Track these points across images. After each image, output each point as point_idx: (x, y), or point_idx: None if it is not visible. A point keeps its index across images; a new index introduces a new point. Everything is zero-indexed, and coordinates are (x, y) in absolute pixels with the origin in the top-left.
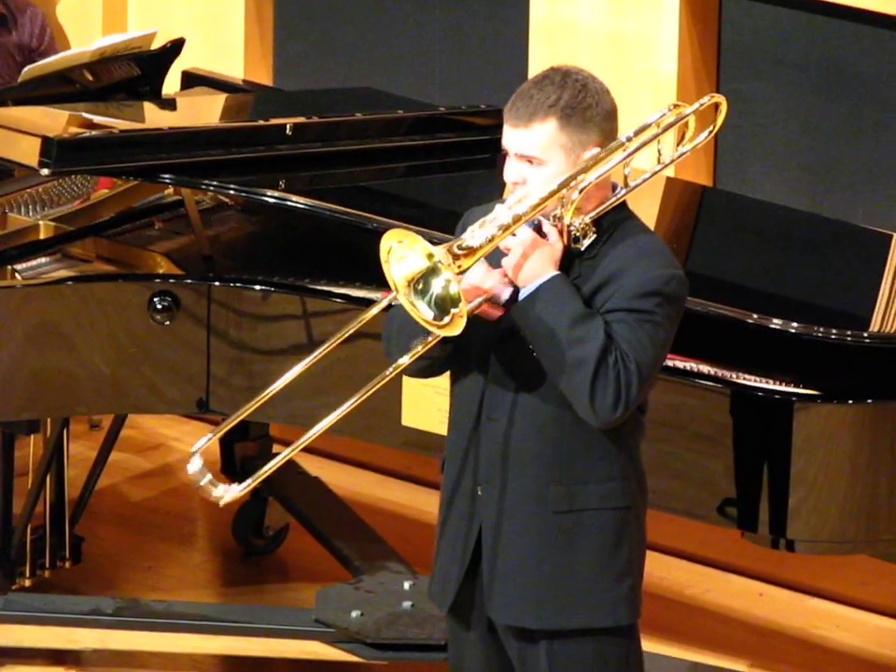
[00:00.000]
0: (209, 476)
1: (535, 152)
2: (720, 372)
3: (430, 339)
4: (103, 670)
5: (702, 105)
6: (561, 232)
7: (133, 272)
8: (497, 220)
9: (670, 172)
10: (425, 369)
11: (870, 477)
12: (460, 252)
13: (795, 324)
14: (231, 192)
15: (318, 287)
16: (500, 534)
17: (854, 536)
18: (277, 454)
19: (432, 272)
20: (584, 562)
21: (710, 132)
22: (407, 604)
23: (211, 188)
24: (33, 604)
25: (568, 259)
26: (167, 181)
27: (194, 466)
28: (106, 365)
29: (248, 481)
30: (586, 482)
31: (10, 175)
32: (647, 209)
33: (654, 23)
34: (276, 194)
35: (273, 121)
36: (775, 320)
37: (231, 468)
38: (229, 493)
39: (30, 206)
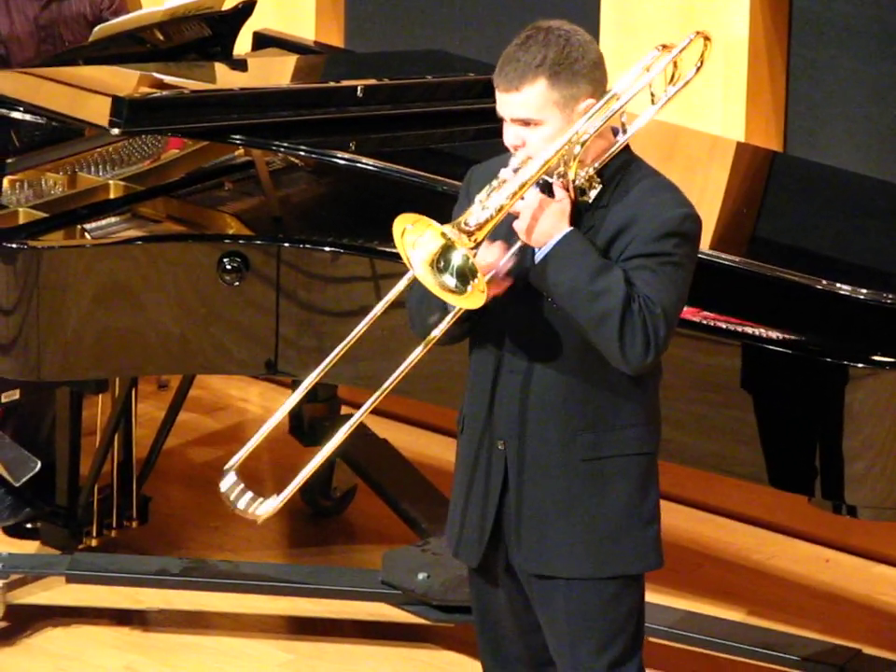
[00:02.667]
0: (248, 494)
1: (530, 114)
2: (786, 338)
3: (454, 311)
4: (169, 630)
5: (688, 42)
6: (567, 188)
7: (203, 232)
8: (503, 188)
9: (740, 134)
10: (453, 338)
11: None
12: (472, 227)
13: (865, 290)
14: (302, 154)
15: (387, 249)
16: (527, 485)
17: None
18: (346, 415)
19: (449, 248)
20: (615, 508)
21: (697, 67)
22: None
23: (281, 149)
24: (99, 563)
25: (579, 213)
26: (237, 142)
27: (227, 482)
28: (175, 325)
29: (284, 492)
30: (614, 428)
31: (81, 135)
32: (717, 174)
33: None
34: (346, 156)
35: (344, 83)
36: (844, 286)
37: (300, 429)
38: (264, 507)
39: (100, 166)
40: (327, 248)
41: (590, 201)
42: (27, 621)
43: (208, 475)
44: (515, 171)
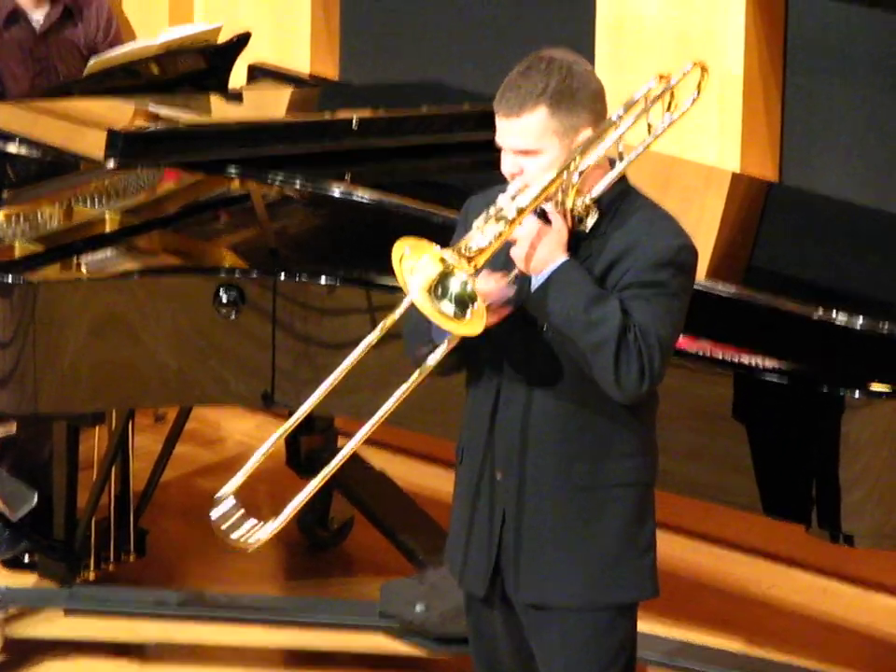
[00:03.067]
0: (241, 522)
1: (529, 143)
2: (782, 367)
3: (451, 339)
4: (167, 663)
5: (686, 72)
6: (565, 216)
7: (199, 265)
8: (501, 216)
9: (735, 164)
10: (453, 367)
11: None
12: (471, 253)
13: (860, 319)
14: (297, 186)
15: (383, 282)
16: (524, 515)
17: None
18: (342, 447)
19: (447, 274)
20: (611, 537)
21: (693, 98)
22: None
23: (277, 181)
24: (97, 596)
25: (576, 241)
26: (233, 174)
27: (219, 510)
28: (172, 358)
29: (277, 521)
30: (610, 457)
31: (77, 168)
32: (713, 204)
33: (721, 20)
34: (342, 188)
35: (340, 115)
36: (840, 315)
37: (297, 460)
38: (262, 532)
39: (96, 199)
40: (323, 280)
41: (587, 230)
42: (26, 654)
43: (206, 507)
44: (512, 198)
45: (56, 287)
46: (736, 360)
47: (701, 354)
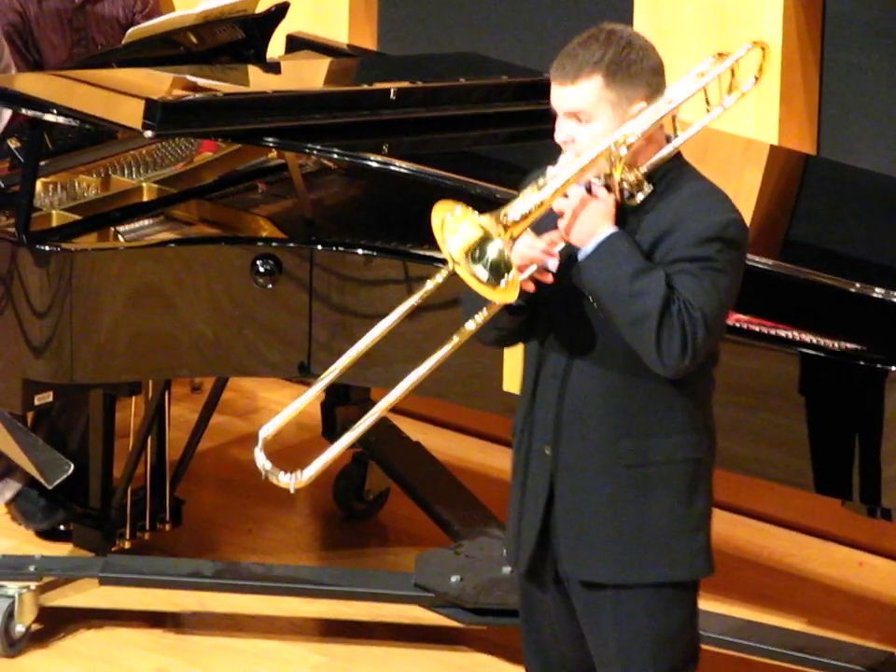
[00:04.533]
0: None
1: (582, 107)
2: (821, 341)
3: (490, 306)
4: (202, 633)
5: (745, 52)
6: (611, 188)
7: (236, 235)
8: (546, 185)
9: (773, 137)
10: (499, 339)
11: None
12: (509, 221)
13: None
14: (335, 156)
15: (420, 252)
16: (572, 491)
17: None
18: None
19: (485, 240)
20: (659, 515)
21: (756, 78)
22: (507, 569)
23: (314, 151)
24: (133, 566)
25: (625, 215)
26: (270, 144)
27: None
28: (208, 328)
29: (311, 468)
30: (656, 434)
31: (114, 137)
32: (750, 177)
33: None
34: (379, 159)
35: (377, 86)
36: (878, 289)
37: (332, 431)
38: (294, 480)
39: (133, 168)
40: (360, 251)
41: (637, 203)
42: (60, 623)
43: (241, 478)
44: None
45: (93, 256)
46: (773, 333)
47: (738, 327)
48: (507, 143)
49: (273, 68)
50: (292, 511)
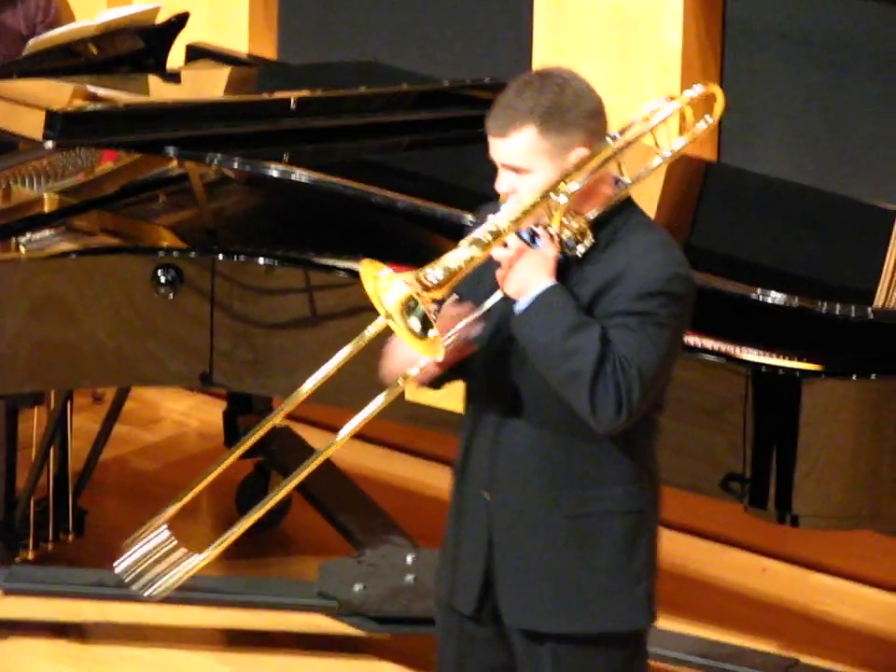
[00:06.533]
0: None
1: (517, 161)
2: (725, 347)
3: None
4: (106, 643)
5: (695, 94)
6: (552, 240)
7: (137, 245)
8: (480, 239)
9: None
10: (437, 383)
11: (874, 452)
12: (432, 283)
13: (798, 298)
14: (235, 166)
15: (322, 262)
16: (511, 539)
17: (857, 511)
18: (281, 427)
19: (409, 302)
20: (600, 566)
21: (707, 123)
22: (409, 577)
23: (215, 161)
24: (36, 576)
25: (567, 265)
26: (171, 154)
27: (123, 564)
28: (110, 338)
29: (210, 548)
30: (596, 486)
31: (15, 148)
32: (650, 184)
33: None
34: (280, 168)
35: (277, 95)
36: (778, 295)
37: (234, 441)
38: (157, 587)
39: (34, 179)
40: (261, 260)
41: (579, 255)
42: None
43: (144, 487)
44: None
45: None
46: (698, 345)
47: None
48: (408, 151)
49: (174, 78)
50: (195, 520)
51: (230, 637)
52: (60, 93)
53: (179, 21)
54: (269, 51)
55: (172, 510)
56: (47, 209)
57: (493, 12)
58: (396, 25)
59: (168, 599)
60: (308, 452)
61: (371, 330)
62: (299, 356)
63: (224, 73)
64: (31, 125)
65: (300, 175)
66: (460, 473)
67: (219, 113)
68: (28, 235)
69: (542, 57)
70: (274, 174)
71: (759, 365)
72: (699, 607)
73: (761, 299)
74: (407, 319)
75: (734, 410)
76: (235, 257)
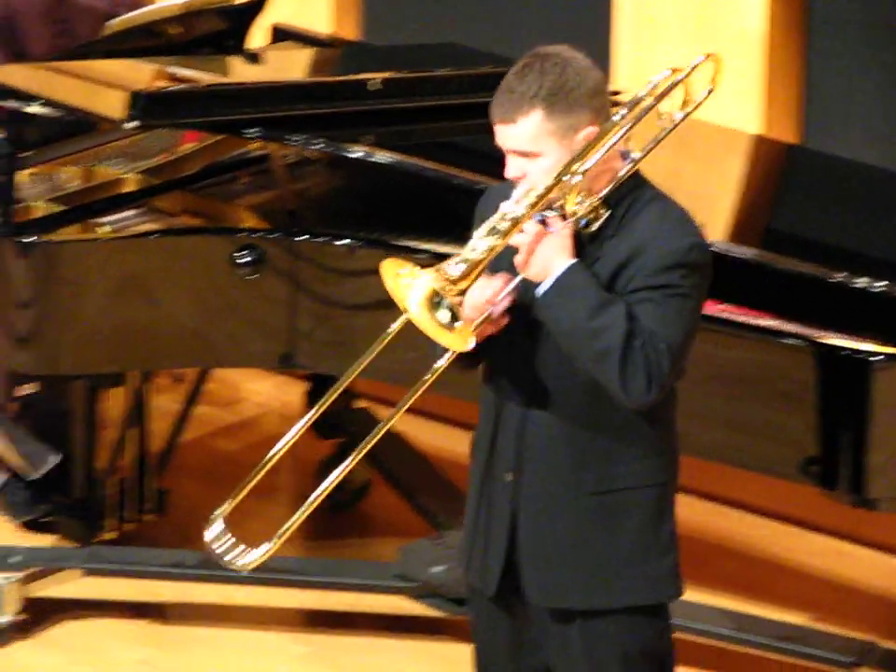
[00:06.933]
0: (231, 540)
1: (526, 146)
2: (803, 330)
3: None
4: (185, 623)
5: (697, 64)
6: (566, 219)
7: (218, 225)
8: (496, 228)
9: (756, 126)
10: (468, 366)
11: None
12: (455, 276)
13: (879, 283)
14: (317, 147)
15: (403, 243)
16: (537, 519)
17: None
18: (361, 408)
19: (434, 297)
20: (627, 540)
21: (709, 91)
22: None
23: (297, 142)
24: (116, 556)
25: (583, 244)
26: (253, 135)
27: (213, 531)
28: (190, 319)
29: (269, 544)
30: (621, 461)
31: (97, 129)
32: (733, 167)
33: None
34: (362, 149)
35: (360, 76)
36: (860, 278)
37: (317, 422)
38: (250, 557)
39: (116, 160)
40: (342, 241)
41: (593, 231)
42: (44, 614)
43: (224, 468)
44: (516, 203)
45: (76, 247)
46: (755, 323)
47: (719, 317)
48: (488, 133)
49: (256, 59)
50: (274, 501)
51: (308, 617)
52: (141, 74)
53: (261, 2)
54: (352, 32)
55: (243, 491)
56: (128, 189)
57: None
58: (477, 6)
59: (247, 580)
60: (388, 433)
61: (395, 326)
62: (379, 337)
63: (307, 54)
64: (113, 105)
65: (381, 156)
66: (484, 455)
67: (301, 94)
68: (109, 216)
69: (622, 42)
70: (356, 155)
71: (836, 348)
72: (777, 590)
73: (842, 282)
74: (433, 314)
75: (812, 393)
76: (316, 238)
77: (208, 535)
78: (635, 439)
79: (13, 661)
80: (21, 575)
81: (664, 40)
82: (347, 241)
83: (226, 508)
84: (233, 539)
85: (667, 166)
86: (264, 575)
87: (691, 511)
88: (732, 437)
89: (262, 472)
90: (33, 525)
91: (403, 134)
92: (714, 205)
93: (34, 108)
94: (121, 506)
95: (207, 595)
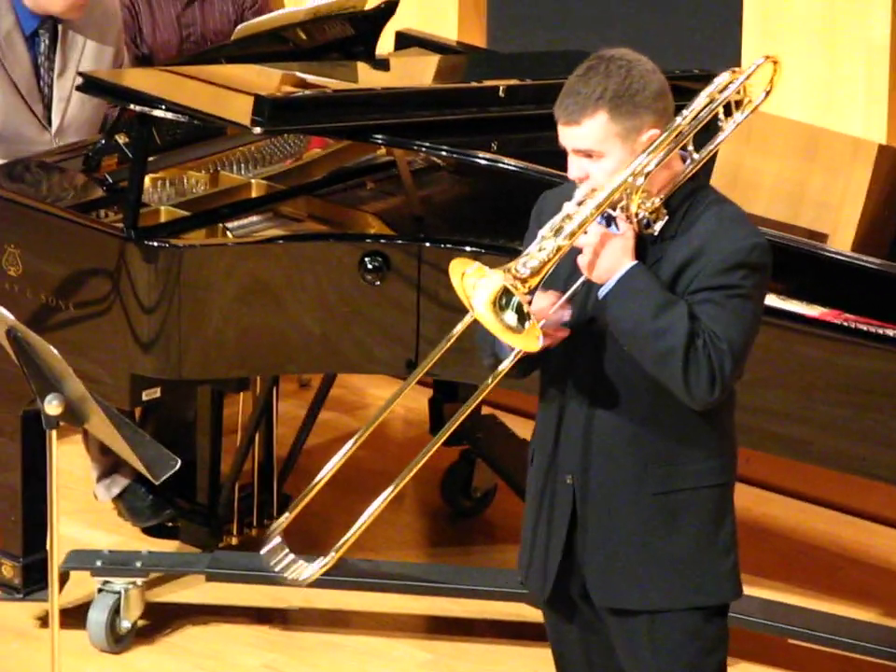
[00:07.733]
0: (290, 556)
1: (591, 147)
2: None
3: (516, 353)
4: (308, 629)
5: (756, 67)
6: (630, 221)
7: (345, 231)
8: (563, 227)
9: (882, 136)
10: (523, 373)
11: None
12: (525, 274)
13: None
14: (444, 154)
15: None
16: (599, 520)
17: None
18: (487, 415)
19: (503, 296)
20: (689, 540)
21: (766, 92)
22: None
23: (423, 148)
24: (239, 562)
25: (644, 245)
26: (379, 141)
27: (270, 545)
28: (316, 324)
29: (326, 558)
30: (683, 462)
31: (223, 133)
32: (859, 176)
33: None
34: (488, 156)
35: (486, 83)
36: None
37: (440, 428)
38: (308, 571)
39: (242, 164)
40: (468, 248)
41: (655, 233)
42: (167, 619)
43: (349, 474)
44: (579, 204)
45: (201, 251)
46: (881, 333)
47: (846, 326)
48: None
49: (383, 65)
50: (400, 508)
51: (432, 624)
52: (268, 79)
53: (389, 8)
54: (478, 39)
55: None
56: (254, 195)
57: (703, 5)
58: (603, 14)
59: (371, 586)
60: (513, 440)
61: (460, 327)
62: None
63: (433, 60)
64: (239, 111)
65: (507, 163)
66: (546, 458)
67: (428, 100)
68: (235, 221)
69: (751, 49)
70: (482, 162)
71: None
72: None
73: None
74: (501, 314)
75: None
76: (442, 244)
77: (265, 549)
78: (697, 440)
79: (136, 666)
80: (143, 580)
81: (790, 51)
82: (472, 248)
83: (282, 522)
84: (292, 555)
85: (794, 176)
86: (387, 581)
87: (815, 521)
88: (857, 447)
89: (318, 487)
90: (155, 531)
91: (530, 141)
92: (840, 215)
93: (160, 112)
94: (245, 511)
95: (330, 601)
